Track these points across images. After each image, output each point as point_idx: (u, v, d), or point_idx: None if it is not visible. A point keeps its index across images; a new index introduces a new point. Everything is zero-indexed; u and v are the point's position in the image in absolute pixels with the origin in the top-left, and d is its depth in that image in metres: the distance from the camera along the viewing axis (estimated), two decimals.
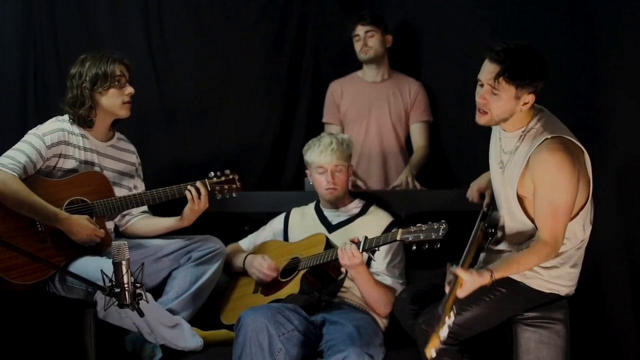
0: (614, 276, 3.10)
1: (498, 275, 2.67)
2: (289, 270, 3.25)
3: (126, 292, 2.38)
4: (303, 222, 3.43)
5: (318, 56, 4.45)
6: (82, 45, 3.97)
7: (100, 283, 2.43)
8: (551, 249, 2.71)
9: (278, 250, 3.39)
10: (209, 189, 3.24)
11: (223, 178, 3.30)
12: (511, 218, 2.85)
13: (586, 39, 3.20)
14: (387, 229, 3.27)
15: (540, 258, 2.72)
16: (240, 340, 2.93)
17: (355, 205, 3.40)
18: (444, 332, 2.47)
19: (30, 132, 3.12)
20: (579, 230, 2.80)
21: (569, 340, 2.88)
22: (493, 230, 2.88)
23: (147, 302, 2.71)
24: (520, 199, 2.79)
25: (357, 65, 4.20)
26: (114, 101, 3.16)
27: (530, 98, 2.72)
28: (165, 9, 4.18)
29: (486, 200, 3.06)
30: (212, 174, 3.29)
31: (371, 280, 3.13)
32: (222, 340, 3.21)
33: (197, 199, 3.18)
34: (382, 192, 3.85)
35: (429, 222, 2.88)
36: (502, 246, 2.91)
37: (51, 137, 3.10)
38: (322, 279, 3.17)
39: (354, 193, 3.56)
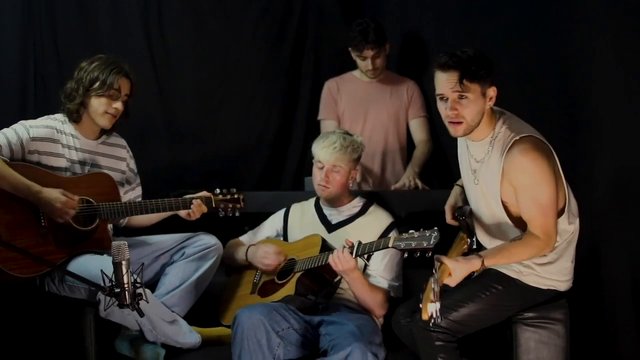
0: (614, 276, 3.10)
1: (489, 262, 2.68)
2: (286, 272, 3.24)
3: (126, 292, 2.38)
4: (302, 219, 3.42)
5: (318, 57, 4.45)
6: (82, 45, 3.98)
7: (101, 283, 2.43)
8: (544, 243, 2.71)
9: None
10: (214, 205, 3.29)
11: (229, 196, 3.35)
12: (496, 227, 2.85)
13: (566, 41, 3.22)
14: (386, 231, 3.26)
15: (533, 250, 2.72)
16: (238, 338, 2.93)
17: (355, 204, 3.38)
18: (432, 307, 2.46)
19: (20, 122, 3.13)
20: (566, 225, 2.81)
21: (569, 340, 2.88)
22: (474, 239, 2.87)
23: (147, 302, 2.71)
24: (504, 206, 2.79)
25: (355, 65, 4.17)
26: (98, 108, 3.16)
27: (493, 91, 2.74)
28: (165, 9, 4.19)
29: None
30: (218, 190, 3.33)
31: (366, 285, 3.12)
32: (218, 336, 3.22)
33: (195, 214, 3.25)
34: (383, 192, 3.85)
35: (422, 229, 2.83)
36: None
37: (37, 130, 3.10)
38: (317, 282, 3.16)
39: (355, 192, 3.55)
